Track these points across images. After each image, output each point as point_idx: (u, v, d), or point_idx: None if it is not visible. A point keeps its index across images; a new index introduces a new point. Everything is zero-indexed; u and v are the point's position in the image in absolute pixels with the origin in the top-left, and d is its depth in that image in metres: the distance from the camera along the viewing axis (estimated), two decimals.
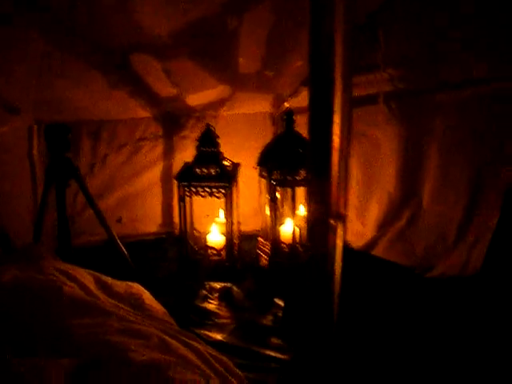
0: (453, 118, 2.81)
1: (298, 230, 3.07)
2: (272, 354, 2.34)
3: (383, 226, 3.20)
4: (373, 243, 3.24)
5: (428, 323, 2.53)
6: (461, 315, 2.57)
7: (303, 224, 3.08)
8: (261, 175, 3.02)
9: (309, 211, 1.05)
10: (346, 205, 1.04)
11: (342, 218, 1.03)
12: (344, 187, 1.01)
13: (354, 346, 2.34)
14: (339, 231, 1.03)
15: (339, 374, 1.76)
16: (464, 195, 2.80)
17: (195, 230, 3.19)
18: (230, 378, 1.76)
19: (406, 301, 2.75)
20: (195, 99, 3.36)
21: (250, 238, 3.31)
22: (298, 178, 2.87)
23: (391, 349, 2.35)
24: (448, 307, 2.65)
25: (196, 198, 3.02)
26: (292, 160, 2.87)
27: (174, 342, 1.84)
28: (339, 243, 1.05)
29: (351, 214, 3.31)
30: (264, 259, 3.07)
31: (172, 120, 3.53)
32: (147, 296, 2.32)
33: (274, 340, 2.45)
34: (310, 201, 1.03)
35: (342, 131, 0.97)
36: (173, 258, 3.25)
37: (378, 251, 3.21)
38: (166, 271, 3.13)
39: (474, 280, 2.74)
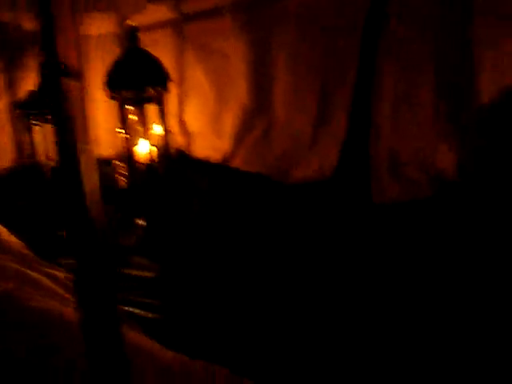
0: (299, 27, 2.83)
1: (154, 148, 3.04)
2: (136, 273, 2.37)
3: (239, 137, 3.23)
4: (230, 156, 3.27)
5: (288, 227, 2.64)
6: (319, 218, 2.69)
7: (159, 142, 3.06)
8: (110, 96, 2.94)
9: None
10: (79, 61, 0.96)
11: (74, 76, 0.96)
12: (75, 44, 0.94)
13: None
14: (75, 90, 0.95)
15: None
16: (314, 102, 2.87)
17: (49, 159, 3.09)
18: None
19: (268, 208, 2.83)
20: (35, 23, 3.17)
21: (108, 162, 3.25)
22: (148, 95, 2.83)
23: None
24: (307, 211, 2.75)
25: (46, 126, 2.91)
26: (140, 77, 2.81)
27: (31, 272, 1.81)
28: (78, 105, 0.96)
29: (206, 128, 3.32)
30: (122, 182, 3.04)
31: (13, 48, 3.34)
32: (2, 231, 2.26)
33: (138, 259, 2.47)
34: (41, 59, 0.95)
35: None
36: (29, 190, 3.13)
37: (236, 163, 3.25)
38: (23, 204, 3.03)
39: (330, 183, 2.85)
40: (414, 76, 2.57)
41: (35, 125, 2.83)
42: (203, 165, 3.34)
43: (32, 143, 2.89)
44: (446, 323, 1.99)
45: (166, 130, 3.06)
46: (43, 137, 2.97)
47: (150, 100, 2.86)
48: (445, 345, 1.90)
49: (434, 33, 2.52)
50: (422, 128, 2.59)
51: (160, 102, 2.92)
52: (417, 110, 2.59)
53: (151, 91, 2.82)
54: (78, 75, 0.95)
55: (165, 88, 2.88)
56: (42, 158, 2.96)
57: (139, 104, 2.88)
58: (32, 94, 2.89)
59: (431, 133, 2.57)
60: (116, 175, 3.09)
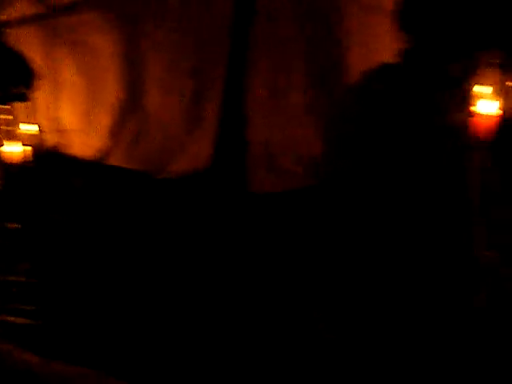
0: (169, 23, 2.82)
1: (26, 148, 2.93)
2: (10, 278, 2.30)
3: (114, 134, 3.17)
4: (105, 153, 3.20)
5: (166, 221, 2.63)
6: (197, 209, 2.69)
7: (31, 141, 2.96)
8: None
9: None
10: None
11: None
12: None
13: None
14: None
15: None
16: (186, 97, 2.88)
17: None
18: None
19: (144, 204, 2.81)
20: None
21: None
22: (15, 92, 2.72)
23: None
24: (185, 204, 2.75)
25: None
26: (3, 75, 2.70)
27: None
28: None
29: (79, 125, 3.24)
30: None
31: None
32: None
33: (12, 264, 2.40)
34: None
35: None
36: None
37: (111, 160, 3.19)
38: None
39: (207, 175, 2.86)
40: (283, 69, 2.62)
41: None
42: (78, 163, 3.26)
43: None
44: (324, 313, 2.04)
45: (38, 129, 2.98)
46: None
47: (17, 98, 2.75)
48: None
49: (301, 25, 2.57)
50: (292, 118, 2.64)
51: (28, 99, 2.82)
52: (287, 101, 2.64)
53: (18, 89, 2.71)
54: None
55: (29, 86, 2.79)
56: None
57: (5, 103, 2.77)
58: None
59: (301, 123, 2.62)
60: None
